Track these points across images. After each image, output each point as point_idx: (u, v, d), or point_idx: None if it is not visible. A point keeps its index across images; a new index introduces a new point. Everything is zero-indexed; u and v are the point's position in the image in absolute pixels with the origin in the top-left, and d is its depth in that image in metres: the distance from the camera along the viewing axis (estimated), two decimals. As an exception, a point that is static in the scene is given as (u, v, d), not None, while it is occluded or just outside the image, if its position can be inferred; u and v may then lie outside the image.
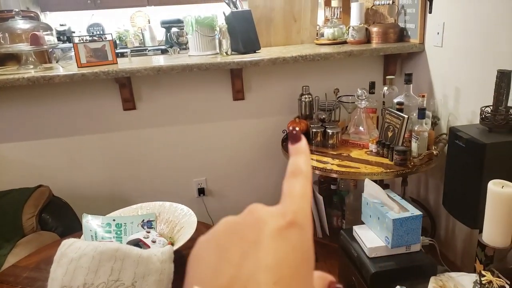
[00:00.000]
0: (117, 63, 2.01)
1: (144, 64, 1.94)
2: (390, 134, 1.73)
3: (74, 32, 4.52)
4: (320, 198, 2.00)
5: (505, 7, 1.45)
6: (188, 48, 2.32)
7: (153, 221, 1.39)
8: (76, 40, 1.96)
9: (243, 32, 2.13)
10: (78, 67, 1.93)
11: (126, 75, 1.89)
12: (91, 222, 1.31)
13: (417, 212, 1.39)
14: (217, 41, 2.15)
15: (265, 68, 2.18)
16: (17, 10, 2.07)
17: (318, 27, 2.52)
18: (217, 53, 2.15)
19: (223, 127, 2.28)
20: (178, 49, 2.48)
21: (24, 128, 2.06)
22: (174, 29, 3.92)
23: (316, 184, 2.20)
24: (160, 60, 2.08)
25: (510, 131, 1.28)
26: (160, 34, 4.87)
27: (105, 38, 2.04)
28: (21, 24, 1.99)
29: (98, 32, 4.78)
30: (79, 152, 2.16)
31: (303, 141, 0.30)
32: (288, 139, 0.31)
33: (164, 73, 1.92)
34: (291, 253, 0.25)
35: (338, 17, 3.14)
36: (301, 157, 0.30)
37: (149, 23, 4.91)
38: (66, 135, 2.11)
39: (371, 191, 1.47)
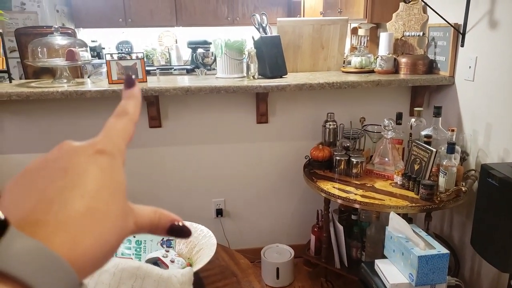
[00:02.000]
0: (146, 81, 2.06)
1: (172, 83, 1.98)
2: (416, 167, 1.69)
3: (104, 48, 4.69)
4: (340, 228, 1.95)
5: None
6: (213, 69, 2.37)
7: (172, 240, 1.39)
8: (108, 57, 2.03)
9: (271, 57, 2.15)
10: (109, 83, 1.99)
11: (155, 94, 1.93)
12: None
13: (444, 250, 1.34)
14: (244, 64, 2.18)
15: (290, 93, 2.19)
16: (56, 26, 2.16)
17: (345, 55, 2.53)
18: (244, 77, 2.18)
19: (245, 149, 2.28)
20: (205, 70, 2.53)
21: (50, 140, 2.11)
22: (200, 50, 4.01)
23: (336, 213, 2.16)
24: (187, 81, 2.12)
25: (547, 172, 1.23)
26: (186, 54, 5.00)
27: (137, 56, 2.10)
28: (59, 40, 2.07)
29: (127, 50, 4.94)
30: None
31: (137, 87, 0.33)
32: (124, 83, 0.33)
33: (192, 93, 1.95)
34: (100, 178, 0.26)
35: (365, 45, 3.16)
36: (132, 101, 0.32)
37: (176, 43, 5.05)
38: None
39: (396, 225, 1.42)
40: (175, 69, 4.63)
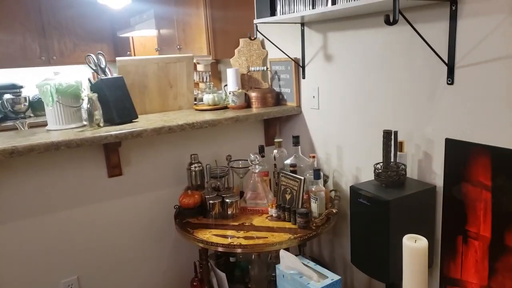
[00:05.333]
0: None
1: (-12, 144, 1.52)
2: (288, 196, 1.72)
3: None
4: (223, 275, 1.82)
5: (364, 75, 1.67)
6: (29, 117, 1.96)
7: None
8: None
9: (117, 101, 1.91)
10: None
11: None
12: None
13: (335, 276, 1.37)
14: (85, 111, 1.87)
15: (147, 139, 1.98)
16: None
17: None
18: (83, 125, 1.86)
19: (97, 210, 1.92)
20: (26, 121, 2.07)
21: None
22: (8, 96, 3.33)
23: (213, 259, 2.02)
24: (9, 139, 1.66)
25: (402, 185, 1.40)
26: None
27: None
28: None
29: None
30: None
31: None
32: None
33: (20, 155, 1.53)
34: None
35: (207, 81, 3.19)
36: None
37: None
38: None
39: (288, 263, 1.39)
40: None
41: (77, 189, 1.85)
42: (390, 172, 1.38)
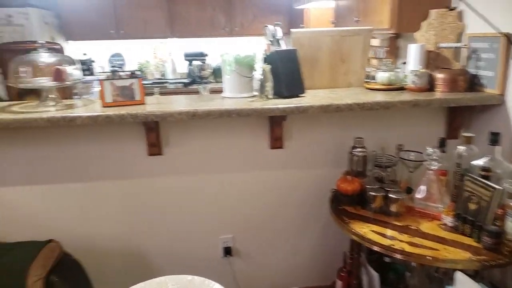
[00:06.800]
0: (144, 103, 1.77)
1: (175, 106, 1.69)
2: (473, 206, 1.40)
3: (94, 62, 4.40)
4: (376, 276, 1.65)
5: None
6: (210, 82, 2.11)
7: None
8: (102, 75, 1.74)
9: (287, 74, 1.87)
10: (103, 106, 1.70)
11: (155, 119, 1.64)
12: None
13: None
14: (257, 83, 1.90)
15: (310, 115, 1.91)
16: (41, 42, 1.87)
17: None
18: (253, 96, 1.89)
19: (257, 178, 1.98)
20: (208, 87, 2.25)
21: (36, 171, 1.81)
22: (196, 62, 3.75)
23: (364, 251, 1.86)
24: (191, 102, 1.82)
25: None
26: (181, 67, 4.72)
27: (133, 74, 1.82)
28: (45, 58, 1.79)
29: (118, 63, 4.65)
30: (95, 201, 1.89)
31: None
32: None
33: (199, 118, 1.66)
34: None
35: (382, 57, 2.89)
36: None
37: (171, 55, 4.78)
38: (81, 181, 1.85)
39: (465, 289, 1.13)
40: (170, 83, 4.35)
41: (241, 155, 1.93)
42: None
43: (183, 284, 1.20)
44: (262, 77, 1.81)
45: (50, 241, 1.71)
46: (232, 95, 1.91)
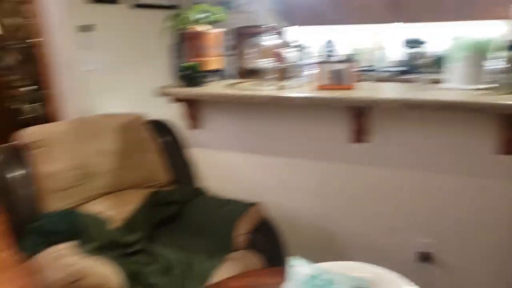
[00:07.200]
0: (354, 88, 1.75)
1: (387, 94, 1.60)
2: None
3: (307, 47, 4.63)
4: None
5: None
6: (429, 72, 1.89)
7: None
8: (315, 59, 1.83)
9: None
10: (317, 89, 1.78)
11: (363, 105, 1.59)
12: (298, 269, 1.11)
13: None
14: (490, 73, 1.59)
15: None
16: (267, 26, 2.10)
17: None
18: (482, 89, 1.59)
19: (474, 187, 1.69)
20: (429, 77, 2.04)
21: (249, 141, 2.08)
22: (416, 50, 3.49)
23: None
24: (406, 91, 1.69)
25: None
26: (396, 54, 4.44)
27: (347, 59, 1.83)
28: (268, 41, 2.01)
29: (329, 49, 4.76)
30: (295, 175, 2.03)
31: None
32: None
33: (411, 109, 1.52)
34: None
35: None
36: None
37: (387, 41, 4.55)
38: (285, 155, 2.02)
39: None
40: (385, 70, 4.18)
41: (455, 157, 1.69)
42: None
43: (370, 274, 1.15)
44: (509, 65, 1.50)
45: (255, 203, 1.94)
46: (457, 86, 1.67)
